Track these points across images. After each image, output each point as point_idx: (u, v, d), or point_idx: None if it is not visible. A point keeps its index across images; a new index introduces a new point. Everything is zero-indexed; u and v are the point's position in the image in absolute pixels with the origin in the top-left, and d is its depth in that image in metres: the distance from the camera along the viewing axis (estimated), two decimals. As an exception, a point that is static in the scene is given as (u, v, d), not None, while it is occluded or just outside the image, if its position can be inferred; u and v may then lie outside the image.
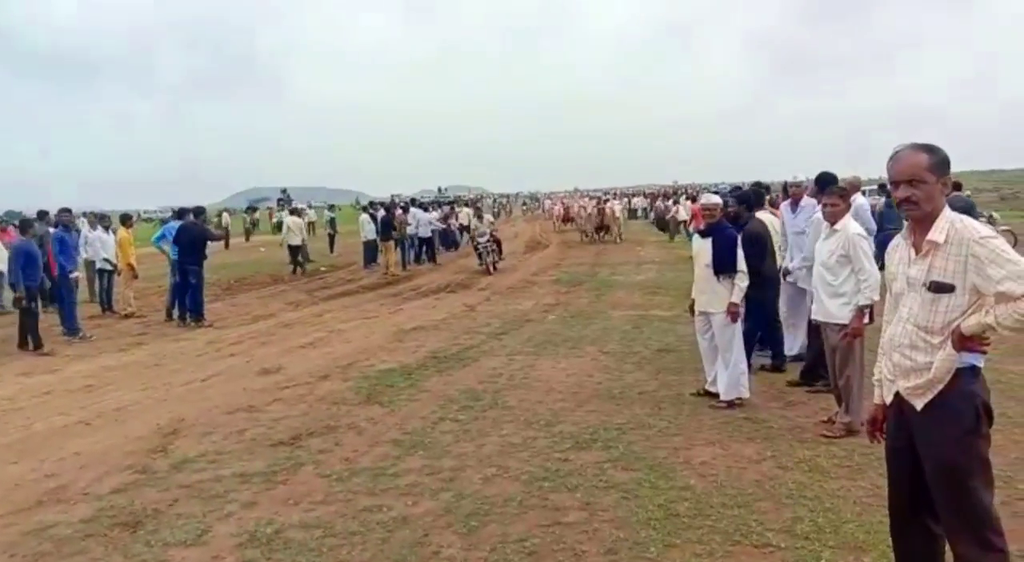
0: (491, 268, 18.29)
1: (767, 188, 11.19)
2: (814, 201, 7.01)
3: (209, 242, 12.84)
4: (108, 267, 13.46)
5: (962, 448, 2.70)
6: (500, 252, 19.34)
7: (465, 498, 4.52)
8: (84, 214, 24.87)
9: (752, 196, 7.97)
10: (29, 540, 4.21)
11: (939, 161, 2.74)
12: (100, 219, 14.39)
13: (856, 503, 4.23)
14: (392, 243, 19.52)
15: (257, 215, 44.54)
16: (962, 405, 2.70)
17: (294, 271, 19.62)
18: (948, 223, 2.68)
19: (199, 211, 13.42)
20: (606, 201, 30.92)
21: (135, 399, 7.35)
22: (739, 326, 6.22)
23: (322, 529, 4.17)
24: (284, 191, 71.23)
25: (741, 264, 6.13)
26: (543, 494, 4.54)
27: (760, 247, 7.06)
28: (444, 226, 24.80)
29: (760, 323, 7.24)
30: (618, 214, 28.83)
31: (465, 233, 27.48)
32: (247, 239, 37.17)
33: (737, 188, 11.04)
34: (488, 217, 20.46)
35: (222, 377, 8.21)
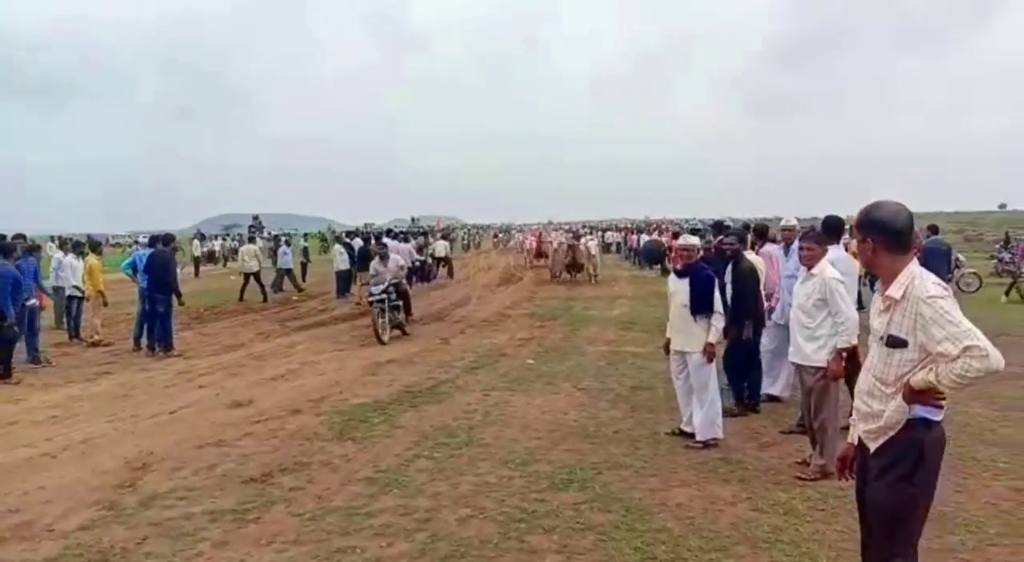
0: (383, 335, 12.47)
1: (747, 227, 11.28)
2: None
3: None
4: (78, 294, 13.25)
5: (892, 492, 2.82)
6: (409, 310, 14.05)
7: (441, 539, 4.47)
8: (53, 238, 24.48)
9: (745, 235, 7.98)
10: (-10, 580, 4.10)
11: (859, 222, 2.93)
12: (75, 246, 14.15)
13: (831, 547, 4.25)
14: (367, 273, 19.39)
15: (212, 243, 44.08)
16: (903, 452, 2.81)
17: (264, 300, 19.53)
18: (908, 279, 2.79)
19: (168, 239, 13.28)
20: (579, 237, 28.15)
21: (102, 431, 7.19)
22: (715, 366, 6.26)
23: (295, 571, 4.10)
24: (256, 218, 70.80)
25: (718, 305, 6.19)
26: (519, 535, 4.50)
27: (754, 287, 7.15)
28: (421, 258, 24.58)
29: (743, 362, 7.30)
30: (594, 253, 25.49)
31: (442, 265, 27.23)
32: (224, 265, 36.95)
33: (719, 224, 11.14)
34: (397, 258, 14.05)
35: (192, 409, 8.06)
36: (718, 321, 6.16)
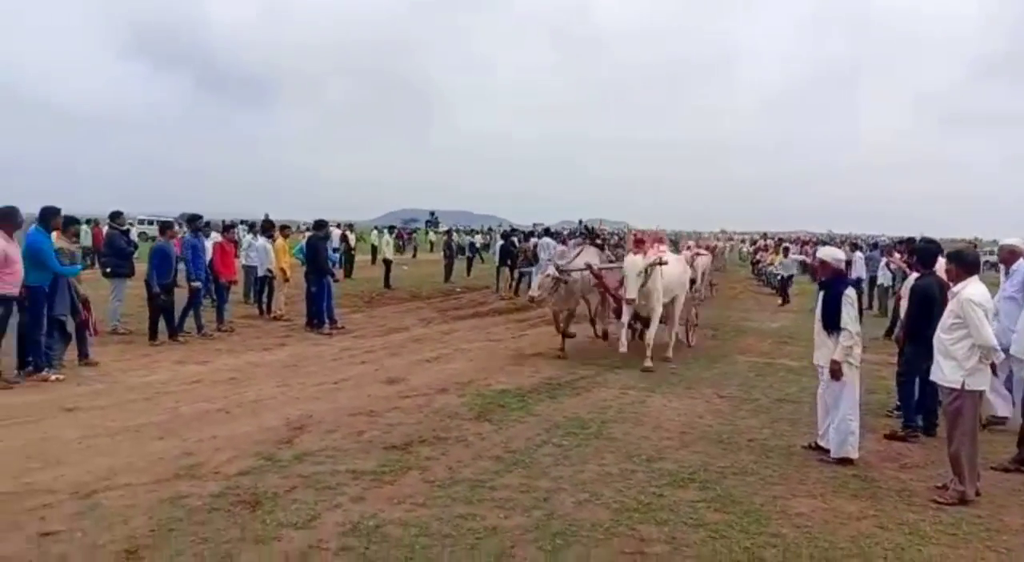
0: None
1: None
2: None
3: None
4: (268, 274, 14.51)
5: None
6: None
7: (555, 518, 4.68)
8: (243, 222, 26.91)
9: (926, 252, 7.29)
10: (165, 507, 4.72)
11: None
12: (263, 229, 15.52)
13: (954, 572, 4.08)
14: (507, 269, 20.42)
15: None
16: None
17: (387, 285, 20.86)
18: None
19: (320, 225, 14.30)
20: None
21: (271, 394, 7.96)
22: (847, 384, 6.01)
23: (418, 529, 4.45)
24: (432, 214, 73.91)
25: (845, 321, 5.92)
26: (631, 524, 4.63)
27: (927, 309, 6.68)
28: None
29: (909, 385, 7.02)
30: (691, 279, 12.40)
31: None
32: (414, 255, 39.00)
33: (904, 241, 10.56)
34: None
35: (351, 382, 8.74)
36: (845, 339, 5.91)
